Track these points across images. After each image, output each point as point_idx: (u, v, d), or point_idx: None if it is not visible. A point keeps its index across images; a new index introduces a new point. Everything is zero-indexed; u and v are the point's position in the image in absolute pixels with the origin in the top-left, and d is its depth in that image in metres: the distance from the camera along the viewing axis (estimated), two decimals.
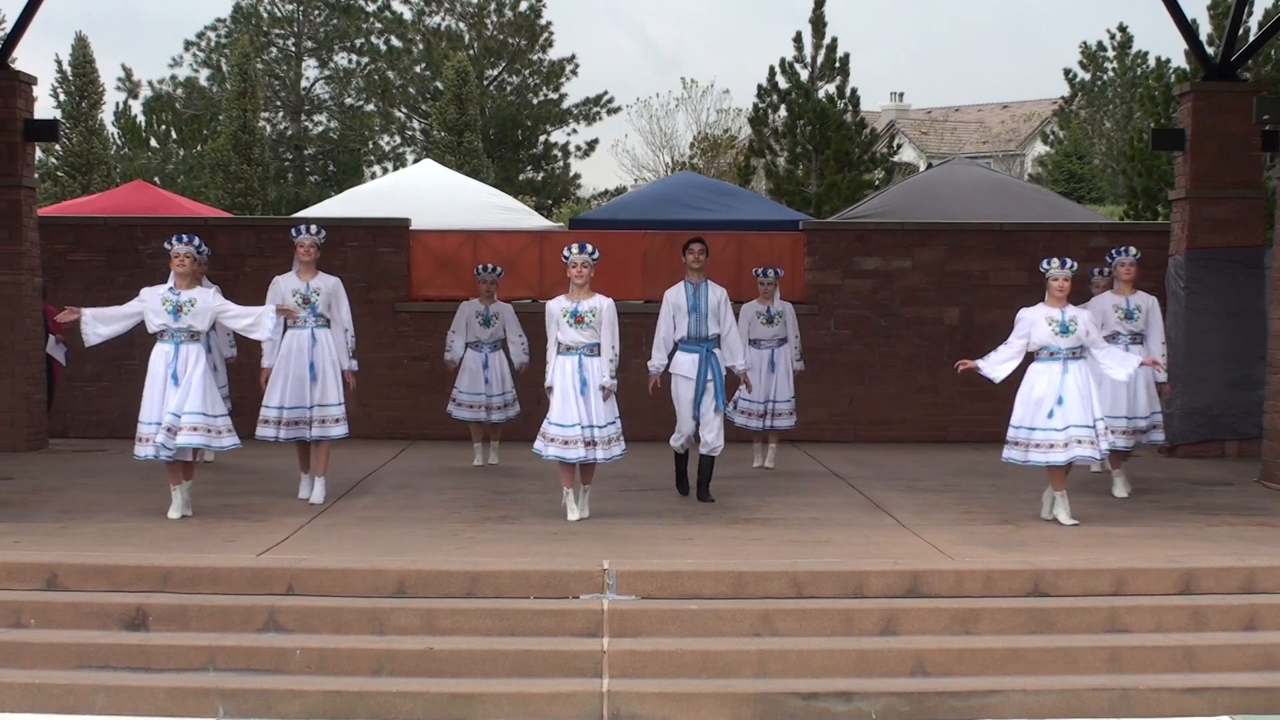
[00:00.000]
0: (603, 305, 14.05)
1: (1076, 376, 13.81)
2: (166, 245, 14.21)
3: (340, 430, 14.77)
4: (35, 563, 11.28)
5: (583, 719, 10.02)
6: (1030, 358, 14.01)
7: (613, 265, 20.57)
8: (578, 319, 13.97)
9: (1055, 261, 14.06)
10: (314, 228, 14.97)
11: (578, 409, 13.82)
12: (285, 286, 14.70)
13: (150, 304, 13.84)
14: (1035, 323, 13.92)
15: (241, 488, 15.54)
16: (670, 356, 14.98)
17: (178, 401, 13.53)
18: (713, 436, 14.88)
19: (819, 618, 10.91)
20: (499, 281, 18.19)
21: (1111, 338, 15.34)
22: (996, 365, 13.91)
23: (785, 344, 17.80)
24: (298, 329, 14.62)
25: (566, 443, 13.81)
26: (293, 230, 15.04)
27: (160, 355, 13.73)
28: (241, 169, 46.25)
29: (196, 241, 14.14)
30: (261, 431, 14.66)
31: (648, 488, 15.63)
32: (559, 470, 14.32)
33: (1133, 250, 15.92)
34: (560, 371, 13.96)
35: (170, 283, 13.94)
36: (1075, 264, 14.21)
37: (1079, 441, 13.66)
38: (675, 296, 14.99)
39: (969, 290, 21.68)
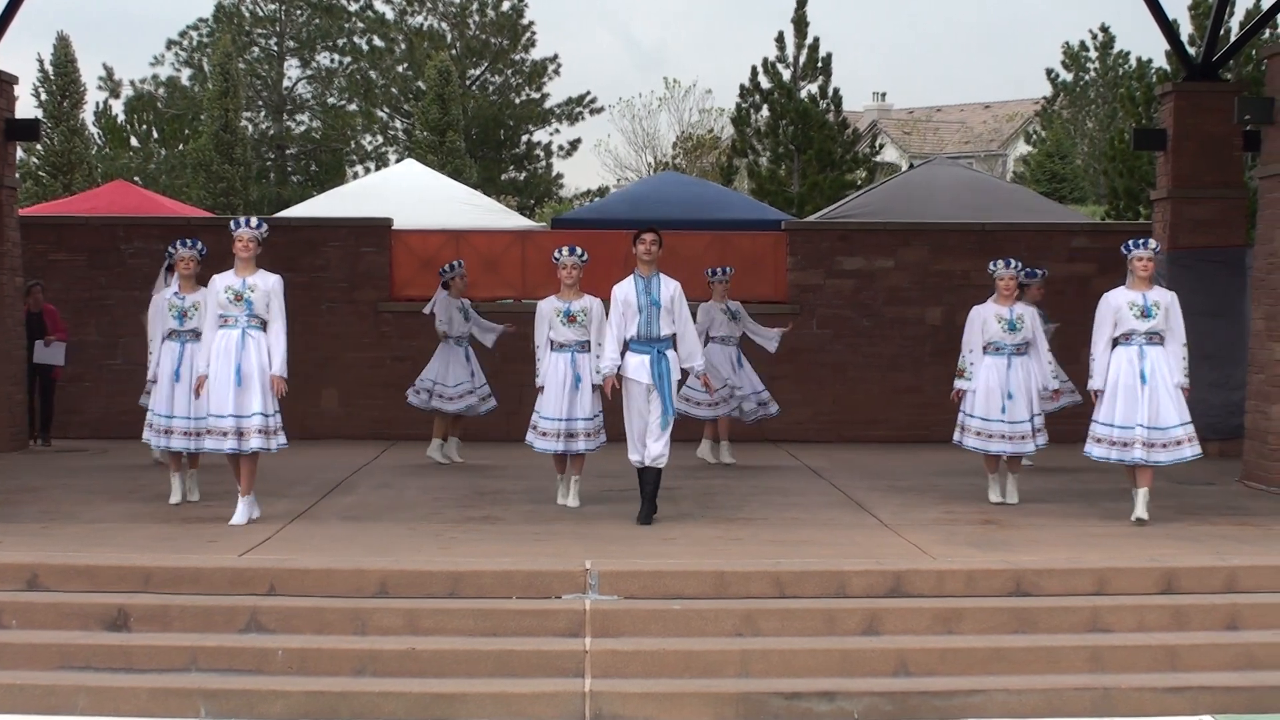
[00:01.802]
0: (593, 305, 14.50)
1: (1020, 372, 14.86)
2: (171, 250, 14.77)
3: (261, 443, 13.40)
4: (16, 563, 11.24)
5: (565, 719, 10.01)
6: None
7: (595, 265, 20.40)
8: (570, 318, 14.50)
9: (1000, 262, 15.05)
10: (254, 220, 13.92)
11: (566, 404, 14.43)
12: (220, 284, 13.58)
13: (158, 309, 14.63)
14: (986, 320, 14.95)
15: (224, 488, 15.47)
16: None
17: (179, 405, 14.15)
18: (659, 447, 13.71)
19: (801, 617, 10.91)
20: (461, 274, 18.27)
21: (1125, 338, 13.98)
22: (973, 371, 14.95)
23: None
24: (228, 329, 13.45)
25: (545, 434, 14.56)
26: (231, 223, 14.00)
27: (168, 354, 14.39)
28: (223, 169, 46.21)
29: (199, 245, 14.48)
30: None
31: (630, 488, 15.59)
32: (552, 459, 14.92)
33: (1152, 243, 14.24)
34: (553, 368, 14.50)
35: (174, 287, 14.47)
36: (1020, 263, 15.18)
37: (1023, 437, 14.83)
38: (624, 292, 13.78)
39: (951, 290, 21.69)
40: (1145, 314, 13.96)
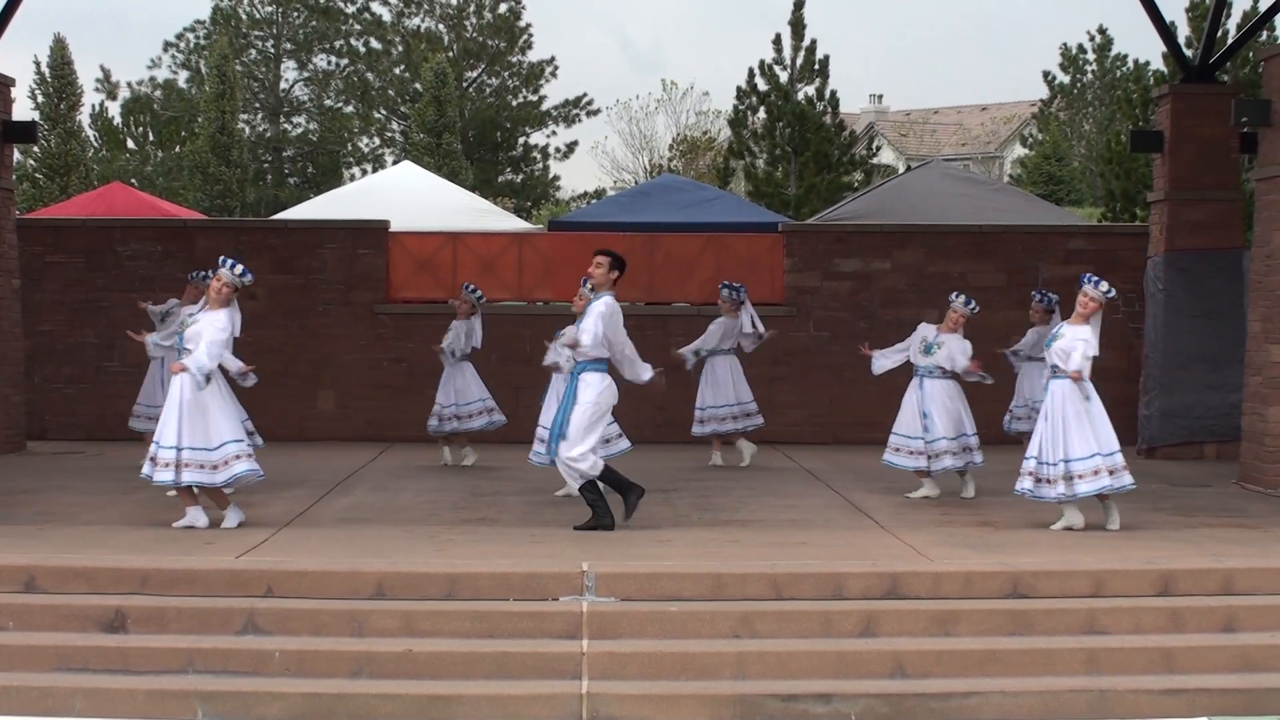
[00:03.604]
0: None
1: (934, 393, 15.45)
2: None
3: (191, 476, 13.24)
4: (13, 565, 11.24)
5: None
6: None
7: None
8: None
9: (961, 297, 15.81)
10: (239, 268, 13.53)
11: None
12: (186, 313, 13.61)
13: None
14: (914, 339, 15.77)
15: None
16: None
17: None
18: (566, 461, 13.45)
19: (798, 619, 10.91)
20: (469, 300, 18.15)
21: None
22: (879, 360, 15.95)
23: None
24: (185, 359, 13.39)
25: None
26: (222, 260, 13.66)
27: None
28: (220, 171, 46.21)
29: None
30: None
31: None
32: None
33: (1103, 285, 13.62)
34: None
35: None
36: (976, 305, 15.90)
37: (941, 454, 15.40)
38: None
39: (948, 292, 21.55)
40: (1048, 345, 13.83)
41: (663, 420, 19.40)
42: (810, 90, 37.02)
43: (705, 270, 20.93)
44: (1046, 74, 55.92)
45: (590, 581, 11.09)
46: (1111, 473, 13.46)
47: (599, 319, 13.36)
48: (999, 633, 10.93)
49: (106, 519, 13.67)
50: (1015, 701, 10.19)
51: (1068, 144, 52.75)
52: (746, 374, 18.43)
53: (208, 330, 13.24)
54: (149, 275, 20.84)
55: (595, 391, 13.37)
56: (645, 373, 13.79)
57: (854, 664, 10.46)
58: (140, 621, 10.74)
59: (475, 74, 57.57)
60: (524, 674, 10.31)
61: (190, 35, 56.60)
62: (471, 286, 18.31)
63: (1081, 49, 55.62)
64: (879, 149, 51.47)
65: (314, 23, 57.02)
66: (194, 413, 13.23)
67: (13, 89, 20.04)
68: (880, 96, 79.20)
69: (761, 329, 18.21)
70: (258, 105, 56.97)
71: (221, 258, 13.79)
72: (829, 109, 36.93)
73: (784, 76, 37.00)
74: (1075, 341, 13.49)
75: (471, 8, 57.25)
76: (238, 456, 13.29)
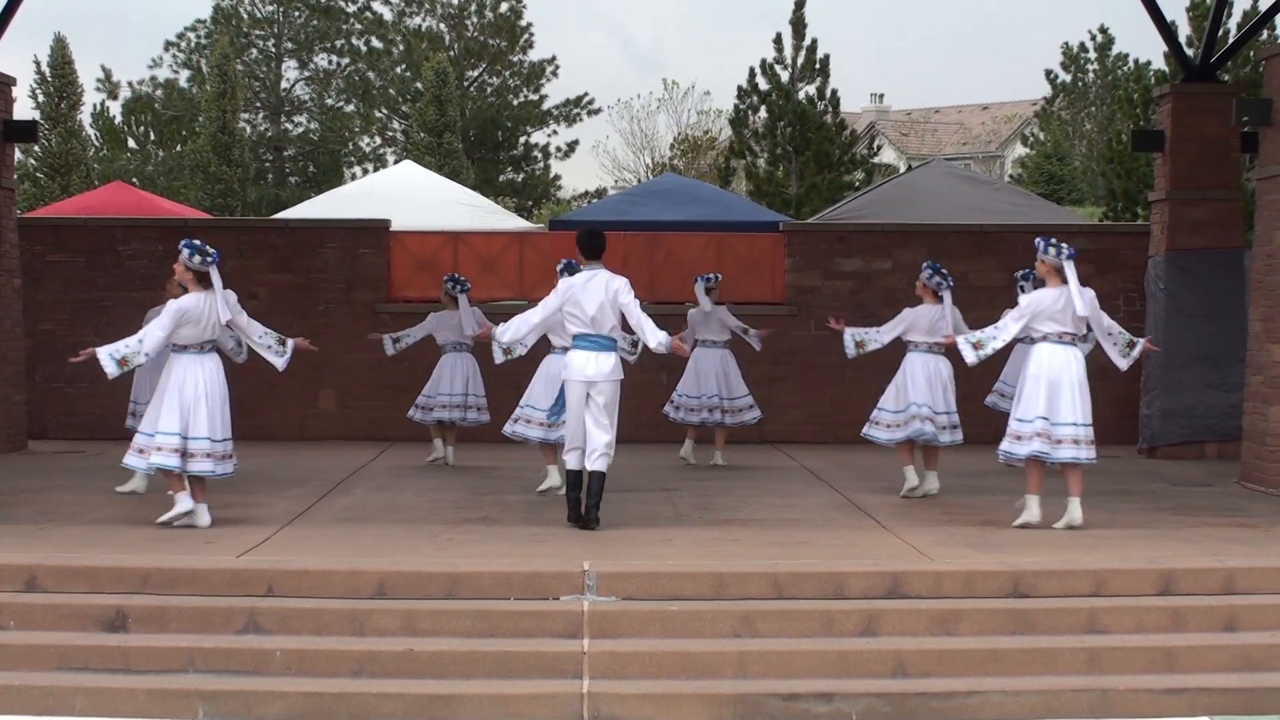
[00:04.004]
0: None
1: (905, 367, 15.74)
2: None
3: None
4: (14, 564, 11.23)
5: None
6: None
7: None
8: None
9: (926, 270, 15.91)
10: (186, 251, 13.32)
11: None
12: None
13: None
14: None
15: (220, 489, 15.47)
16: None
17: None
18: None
19: (799, 619, 10.91)
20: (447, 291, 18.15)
21: None
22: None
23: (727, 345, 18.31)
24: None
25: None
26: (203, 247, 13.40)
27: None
28: (221, 170, 46.21)
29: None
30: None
31: (627, 489, 15.61)
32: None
33: (1043, 247, 13.67)
34: None
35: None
36: (940, 280, 15.79)
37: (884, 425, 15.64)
38: None
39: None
40: None
41: (663, 419, 19.38)
42: (811, 89, 37.09)
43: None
44: (1049, 73, 56.00)
45: (591, 581, 11.09)
46: (1017, 438, 13.57)
47: (547, 298, 13.75)
48: (1000, 632, 10.93)
49: (107, 518, 13.67)
50: (1016, 701, 10.19)
51: (1069, 143, 52.79)
52: (746, 373, 18.41)
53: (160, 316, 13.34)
54: (150, 274, 20.78)
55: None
56: (652, 339, 13.42)
57: (855, 663, 10.46)
58: (141, 621, 10.74)
59: (476, 73, 57.59)
60: (525, 673, 10.31)
61: (191, 35, 56.68)
62: (447, 278, 18.16)
63: (1083, 48, 55.71)
64: (880, 148, 51.42)
65: (315, 22, 57.05)
66: (155, 399, 13.39)
67: (13, 89, 20.03)
68: (881, 96, 79.30)
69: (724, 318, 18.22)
70: (259, 104, 56.98)
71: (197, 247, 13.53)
72: (830, 108, 36.98)
73: (785, 76, 37.05)
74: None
75: (473, 7, 57.28)
76: (159, 449, 13.15)
